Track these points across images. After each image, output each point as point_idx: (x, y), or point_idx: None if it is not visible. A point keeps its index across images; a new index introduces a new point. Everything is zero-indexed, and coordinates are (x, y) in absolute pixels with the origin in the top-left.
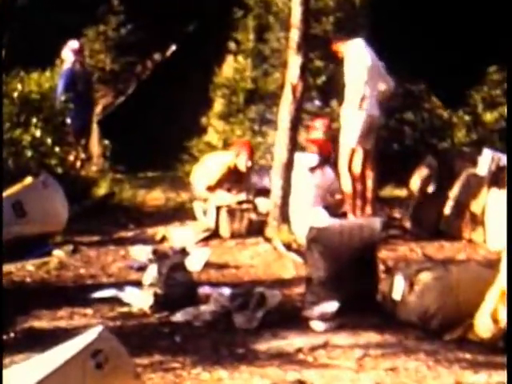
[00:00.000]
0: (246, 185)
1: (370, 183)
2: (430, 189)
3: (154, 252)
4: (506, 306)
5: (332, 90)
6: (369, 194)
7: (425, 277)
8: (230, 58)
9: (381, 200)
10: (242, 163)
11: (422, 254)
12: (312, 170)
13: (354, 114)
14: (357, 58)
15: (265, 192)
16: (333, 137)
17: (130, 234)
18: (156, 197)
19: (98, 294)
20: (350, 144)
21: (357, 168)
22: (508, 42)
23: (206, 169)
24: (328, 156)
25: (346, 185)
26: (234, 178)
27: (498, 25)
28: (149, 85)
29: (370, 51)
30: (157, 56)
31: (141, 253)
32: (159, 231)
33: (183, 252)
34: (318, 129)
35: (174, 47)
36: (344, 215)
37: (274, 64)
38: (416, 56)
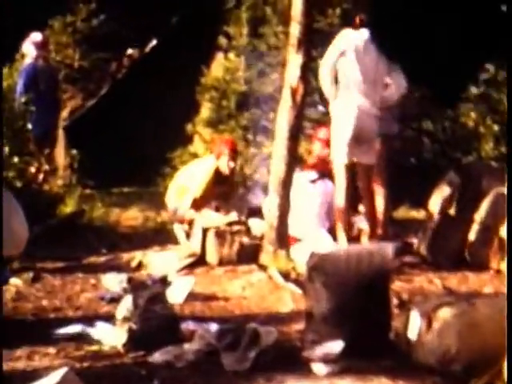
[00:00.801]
0: (236, 202)
1: (380, 202)
2: (452, 210)
3: (130, 280)
4: (507, 309)
5: None
6: (379, 215)
7: (445, 313)
8: (219, 56)
9: (394, 222)
10: (224, 165)
11: (442, 286)
12: (313, 181)
13: (341, 121)
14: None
15: (259, 212)
16: None
17: (101, 259)
18: (132, 216)
19: (62, 330)
20: (340, 160)
21: (361, 186)
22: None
23: (187, 180)
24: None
25: (340, 207)
26: (221, 189)
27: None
28: (124, 85)
29: (372, 46)
30: (134, 52)
31: (114, 282)
32: (136, 256)
33: (164, 281)
34: (321, 139)
35: (154, 42)
36: (352, 239)
37: (270, 63)
38: (418, 56)
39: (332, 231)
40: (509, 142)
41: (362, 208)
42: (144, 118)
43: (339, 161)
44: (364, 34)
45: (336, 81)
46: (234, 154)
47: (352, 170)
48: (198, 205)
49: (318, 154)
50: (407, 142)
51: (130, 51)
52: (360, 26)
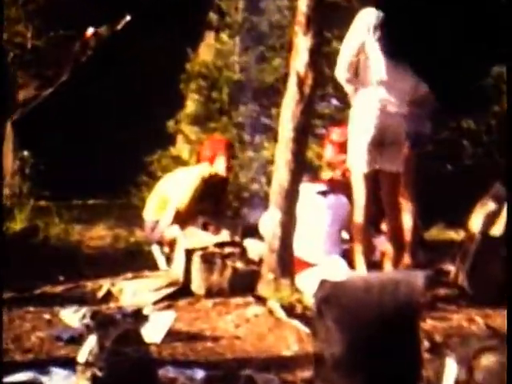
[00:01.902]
0: (229, 218)
1: (408, 220)
2: (498, 230)
3: (94, 315)
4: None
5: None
6: (407, 236)
7: (488, 359)
8: (209, 36)
9: (426, 245)
10: (221, 170)
11: (485, 325)
12: (324, 194)
13: (360, 120)
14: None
15: (257, 230)
16: None
17: (59, 288)
18: (99, 235)
19: (10, 378)
20: (359, 167)
21: (384, 200)
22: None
23: (170, 189)
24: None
25: (358, 225)
26: (211, 202)
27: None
28: (90, 71)
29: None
30: (102, 29)
31: (74, 317)
32: (103, 285)
33: (137, 316)
34: (334, 142)
35: (127, 18)
36: (373, 265)
37: (273, 45)
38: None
39: (347, 255)
40: (509, 140)
41: (385, 227)
42: (114, 112)
43: (358, 169)
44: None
45: (356, 72)
46: (231, 157)
47: (374, 179)
48: (181, 221)
49: (330, 160)
50: (442, 145)
51: (97, 29)
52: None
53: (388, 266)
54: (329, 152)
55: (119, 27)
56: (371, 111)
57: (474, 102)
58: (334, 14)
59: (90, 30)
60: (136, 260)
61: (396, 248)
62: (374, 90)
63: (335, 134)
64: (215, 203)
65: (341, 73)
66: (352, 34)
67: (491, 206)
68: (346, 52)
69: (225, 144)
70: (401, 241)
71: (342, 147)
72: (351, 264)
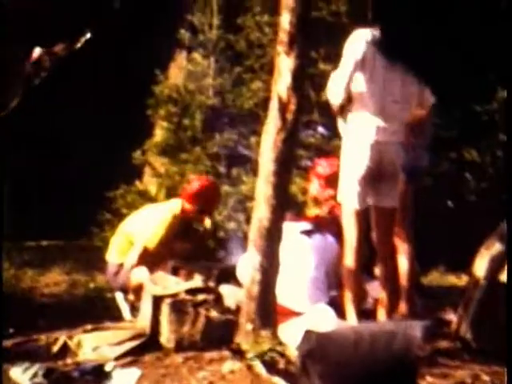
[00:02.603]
0: (202, 260)
1: (404, 263)
2: (505, 276)
3: (49, 373)
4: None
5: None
6: (403, 282)
7: None
8: (181, 56)
9: (424, 291)
10: (204, 220)
11: (492, 383)
12: (309, 233)
13: (352, 152)
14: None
15: (234, 275)
16: None
17: (8, 342)
18: (55, 280)
19: None
20: (350, 204)
21: (378, 240)
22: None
23: (137, 228)
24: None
25: (349, 268)
26: (183, 244)
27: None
28: (44, 94)
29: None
30: (59, 48)
31: (25, 375)
32: (59, 338)
33: (98, 373)
34: (320, 175)
35: (87, 35)
36: (365, 314)
37: (251, 66)
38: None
39: (336, 302)
40: (508, 143)
41: (379, 271)
42: (72, 140)
43: (349, 205)
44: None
45: (349, 97)
46: (215, 202)
47: (366, 218)
48: (149, 263)
49: (317, 196)
50: (442, 178)
51: (53, 46)
52: (374, 20)
53: (382, 315)
54: (315, 187)
55: (78, 45)
56: (365, 141)
57: (477, 130)
58: (321, 32)
59: (37, 51)
60: (96, 309)
61: (390, 295)
62: (368, 117)
63: (321, 166)
64: (187, 244)
65: (335, 96)
66: (346, 56)
67: (498, 247)
68: (342, 72)
69: (209, 187)
70: (396, 286)
71: (330, 181)
72: (340, 313)
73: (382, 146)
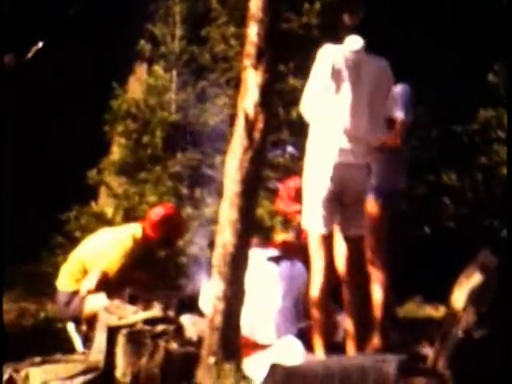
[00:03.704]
0: (161, 288)
1: (377, 293)
2: (486, 307)
3: None
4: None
5: None
6: (376, 313)
7: None
8: (141, 68)
9: (399, 323)
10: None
11: None
12: (276, 260)
13: (315, 172)
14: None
15: (195, 304)
16: None
17: None
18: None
19: None
20: (315, 228)
21: (342, 267)
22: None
23: (92, 253)
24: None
25: (315, 299)
26: (142, 271)
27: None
28: None
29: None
30: (8, 59)
31: None
32: (5, 371)
33: None
34: (288, 198)
35: (39, 45)
36: (335, 348)
37: (217, 80)
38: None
39: (304, 334)
40: (508, 143)
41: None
42: (22, 159)
43: (314, 230)
44: (355, 43)
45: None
46: (180, 228)
47: (325, 244)
48: (104, 291)
49: (284, 210)
50: (419, 202)
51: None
52: (349, 29)
53: (350, 347)
54: (283, 200)
55: (29, 56)
56: (327, 162)
57: (457, 152)
58: (291, 45)
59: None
60: (46, 340)
61: (356, 324)
62: (331, 137)
63: (292, 180)
64: (145, 271)
65: (308, 107)
66: (317, 70)
67: (478, 277)
68: (315, 83)
69: (172, 214)
70: (368, 317)
71: (297, 195)
72: (309, 346)
73: (346, 168)
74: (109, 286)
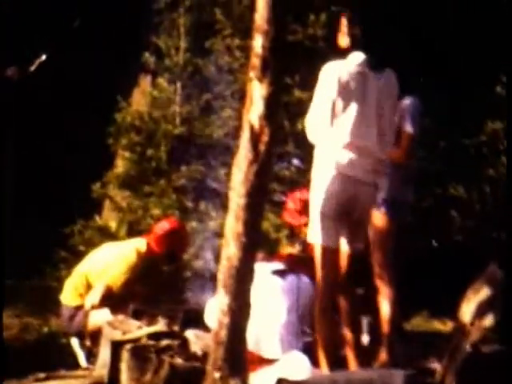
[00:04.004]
0: (166, 303)
1: (385, 308)
2: (491, 321)
3: None
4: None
5: None
6: (384, 327)
7: None
8: (145, 81)
9: (406, 338)
10: (164, 256)
11: None
12: (282, 274)
13: (321, 185)
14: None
15: (201, 318)
16: None
17: None
18: (4, 324)
19: None
20: (321, 240)
21: (347, 281)
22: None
23: (97, 267)
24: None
25: (321, 308)
26: (146, 286)
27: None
28: None
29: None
30: (11, 71)
31: None
32: None
33: None
34: (295, 210)
35: (43, 57)
36: (341, 363)
37: (221, 93)
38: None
39: (311, 349)
40: (508, 142)
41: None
42: (25, 172)
43: (320, 243)
44: (359, 57)
45: None
46: (185, 241)
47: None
48: (108, 306)
49: (291, 222)
50: (426, 215)
51: (4, 71)
52: (353, 44)
53: (351, 359)
54: (290, 212)
55: (32, 68)
56: (335, 175)
57: (464, 164)
58: (297, 57)
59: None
60: (50, 355)
61: (369, 341)
62: (341, 150)
63: (299, 192)
64: (150, 286)
65: (314, 130)
66: (322, 89)
67: (486, 291)
68: (320, 102)
69: (176, 226)
70: (377, 332)
71: (304, 207)
72: (315, 360)
73: (353, 183)
74: (113, 300)
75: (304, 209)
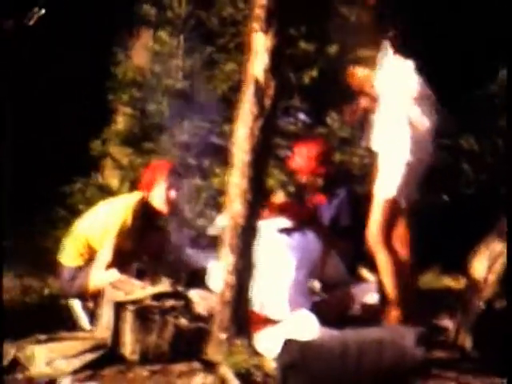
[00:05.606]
0: (170, 262)
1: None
2: (503, 276)
3: None
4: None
5: (330, 93)
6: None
7: None
8: (145, 34)
9: (418, 295)
10: (160, 198)
11: None
12: (287, 231)
13: (400, 143)
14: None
15: (205, 278)
16: (328, 175)
17: None
18: (5, 286)
19: None
20: (388, 192)
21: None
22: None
23: (96, 226)
24: (309, 219)
25: (385, 269)
26: (147, 242)
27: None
28: None
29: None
30: (8, 24)
31: None
32: (8, 350)
33: None
34: (300, 162)
35: (42, 11)
36: (352, 321)
37: (224, 46)
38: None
39: (319, 308)
40: (508, 139)
41: (364, 272)
42: (22, 129)
43: (386, 195)
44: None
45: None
46: (175, 187)
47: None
48: (116, 265)
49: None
50: (437, 169)
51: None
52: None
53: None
54: (303, 162)
55: (30, 22)
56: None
57: (475, 115)
58: (302, 7)
59: None
60: (51, 317)
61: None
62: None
63: (301, 150)
64: (152, 244)
65: None
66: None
67: (496, 246)
68: None
69: (167, 169)
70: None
71: (324, 158)
72: (323, 320)
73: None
74: (121, 258)
75: (323, 159)
